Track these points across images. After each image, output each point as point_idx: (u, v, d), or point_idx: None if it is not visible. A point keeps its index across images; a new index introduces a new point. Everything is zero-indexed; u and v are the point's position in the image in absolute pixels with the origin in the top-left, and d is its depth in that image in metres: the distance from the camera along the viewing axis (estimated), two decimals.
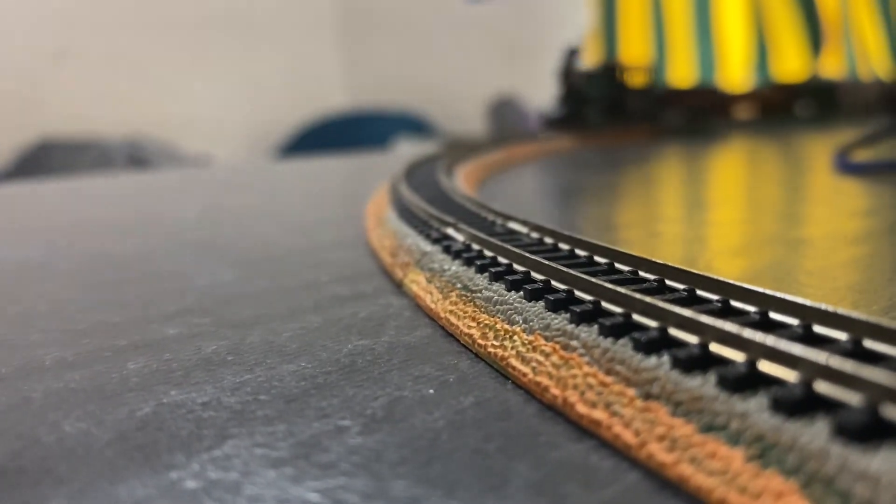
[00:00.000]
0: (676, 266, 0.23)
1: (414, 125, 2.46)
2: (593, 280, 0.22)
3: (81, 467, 0.17)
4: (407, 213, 0.38)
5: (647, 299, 0.20)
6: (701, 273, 0.22)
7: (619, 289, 0.21)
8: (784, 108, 1.57)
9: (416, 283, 0.30)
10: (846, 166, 0.68)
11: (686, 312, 0.19)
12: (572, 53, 1.22)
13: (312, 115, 2.69)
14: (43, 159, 1.89)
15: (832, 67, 2.07)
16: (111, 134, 2.13)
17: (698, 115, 1.38)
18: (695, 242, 0.43)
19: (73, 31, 2.20)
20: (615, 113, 1.21)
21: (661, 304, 0.19)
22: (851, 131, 1.20)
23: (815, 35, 2.16)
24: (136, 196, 0.79)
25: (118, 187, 0.91)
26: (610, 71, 1.25)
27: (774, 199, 0.63)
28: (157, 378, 0.23)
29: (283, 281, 0.35)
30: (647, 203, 0.63)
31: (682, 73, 2.28)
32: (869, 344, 0.17)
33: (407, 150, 1.44)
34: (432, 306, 0.27)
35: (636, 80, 1.28)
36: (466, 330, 0.24)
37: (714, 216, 0.54)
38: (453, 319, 0.25)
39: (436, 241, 0.32)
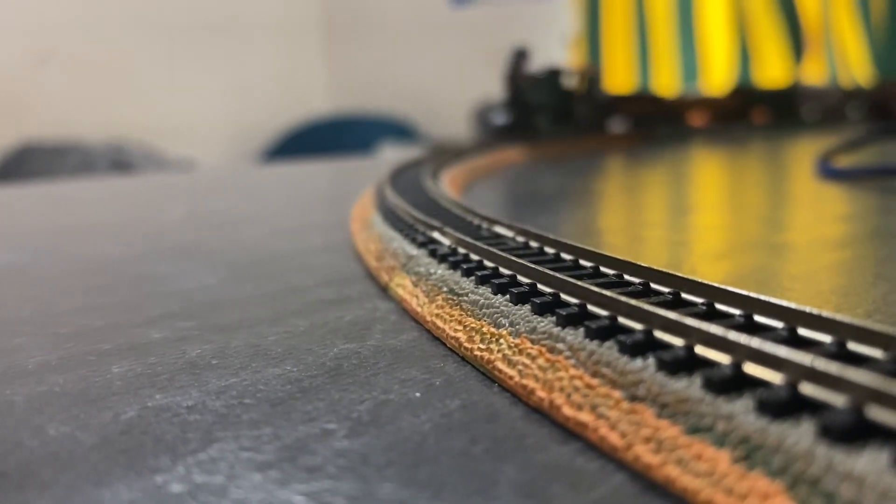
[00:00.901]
0: (661, 269, 0.23)
1: (398, 130, 2.46)
2: (579, 283, 0.22)
3: (66, 471, 0.17)
4: (392, 217, 0.38)
5: (633, 302, 0.20)
6: (685, 276, 0.22)
7: (604, 292, 0.21)
8: (739, 116, 1.46)
9: (402, 286, 0.30)
10: (828, 172, 0.69)
11: (671, 315, 0.19)
12: (520, 56, 1.09)
13: (296, 119, 2.68)
14: (25, 163, 1.88)
15: (814, 74, 2.09)
16: (94, 138, 2.12)
17: (644, 123, 1.26)
18: (679, 246, 0.44)
19: (57, 34, 2.19)
20: (563, 121, 1.11)
21: (646, 306, 0.20)
22: (813, 139, 1.19)
23: (797, 42, 2.18)
24: (119, 200, 0.78)
25: (101, 191, 0.91)
26: (554, 75, 1.12)
27: (757, 205, 0.63)
28: (142, 382, 0.23)
29: (269, 285, 0.35)
30: (626, 208, 0.64)
31: (665, 78, 2.30)
32: (853, 346, 0.17)
33: (391, 155, 1.43)
34: (418, 310, 0.27)
35: (580, 85, 1.16)
36: (453, 333, 0.24)
37: (696, 221, 0.54)
38: (439, 323, 0.25)
39: (422, 245, 0.32)
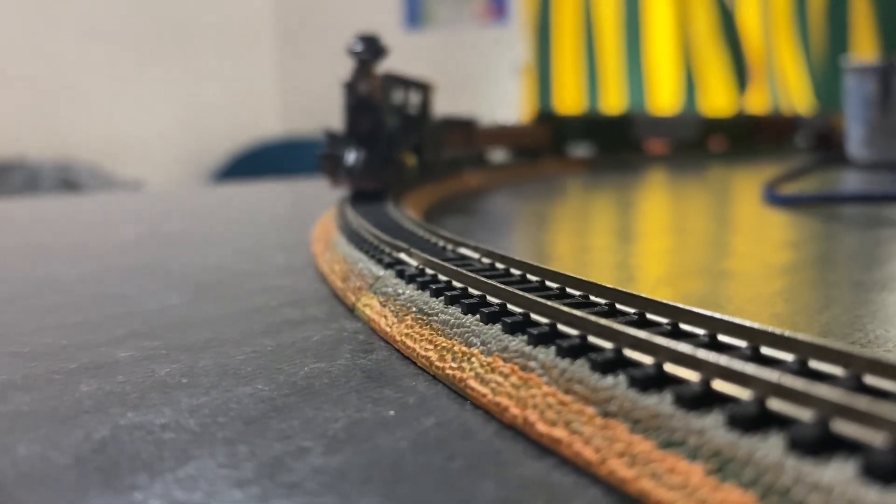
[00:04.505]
0: (626, 291, 0.24)
1: None
2: (549, 303, 0.23)
3: (40, 491, 0.17)
4: (357, 238, 0.38)
5: (603, 321, 0.21)
6: (650, 297, 0.23)
7: (575, 311, 0.21)
8: (551, 148, 1.14)
9: (370, 306, 0.30)
10: (774, 199, 0.71)
11: (641, 334, 0.19)
12: (372, 49, 0.56)
13: (247, 140, 2.67)
14: None
15: (757, 103, 2.15)
16: (40, 156, 2.08)
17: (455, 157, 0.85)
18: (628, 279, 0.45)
19: (1, 50, 2.15)
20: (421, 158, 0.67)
21: (616, 326, 0.20)
22: (632, 182, 1.02)
23: (741, 71, 2.24)
24: (70, 220, 0.77)
25: (50, 211, 0.89)
26: (396, 86, 0.64)
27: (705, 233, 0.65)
28: (112, 400, 0.23)
29: (233, 305, 0.35)
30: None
31: (613, 105, 2.34)
32: (814, 364, 0.18)
33: None
34: (387, 329, 0.28)
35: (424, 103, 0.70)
36: (423, 352, 0.25)
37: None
38: (410, 342, 0.26)
39: (388, 266, 0.32)
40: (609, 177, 1.09)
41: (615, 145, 1.25)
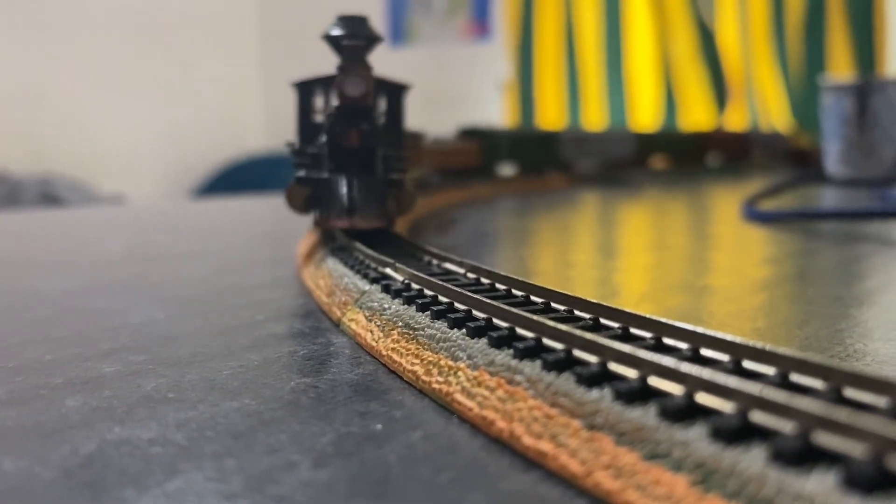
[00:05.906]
0: (610, 305, 0.24)
1: None
2: (534, 318, 0.23)
3: None
4: (342, 253, 0.38)
5: (588, 336, 0.21)
6: (634, 312, 0.23)
7: (560, 326, 0.22)
8: (483, 167, 1.03)
9: (356, 321, 0.30)
10: (754, 215, 0.72)
11: (625, 348, 0.20)
12: (357, 28, 0.40)
13: (231, 155, 2.66)
14: None
15: (736, 121, 2.17)
16: (20, 169, 2.06)
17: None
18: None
19: None
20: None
21: (600, 340, 0.20)
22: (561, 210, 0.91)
23: (720, 90, 2.26)
24: (53, 233, 0.77)
25: (33, 224, 0.88)
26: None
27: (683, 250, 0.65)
28: (99, 415, 0.23)
29: (218, 320, 0.35)
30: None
31: (594, 121, 2.36)
32: (795, 377, 0.18)
33: None
34: (373, 344, 0.28)
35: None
36: (410, 367, 0.25)
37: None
38: (396, 357, 0.26)
39: (374, 281, 0.32)
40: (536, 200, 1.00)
41: (541, 164, 1.13)
